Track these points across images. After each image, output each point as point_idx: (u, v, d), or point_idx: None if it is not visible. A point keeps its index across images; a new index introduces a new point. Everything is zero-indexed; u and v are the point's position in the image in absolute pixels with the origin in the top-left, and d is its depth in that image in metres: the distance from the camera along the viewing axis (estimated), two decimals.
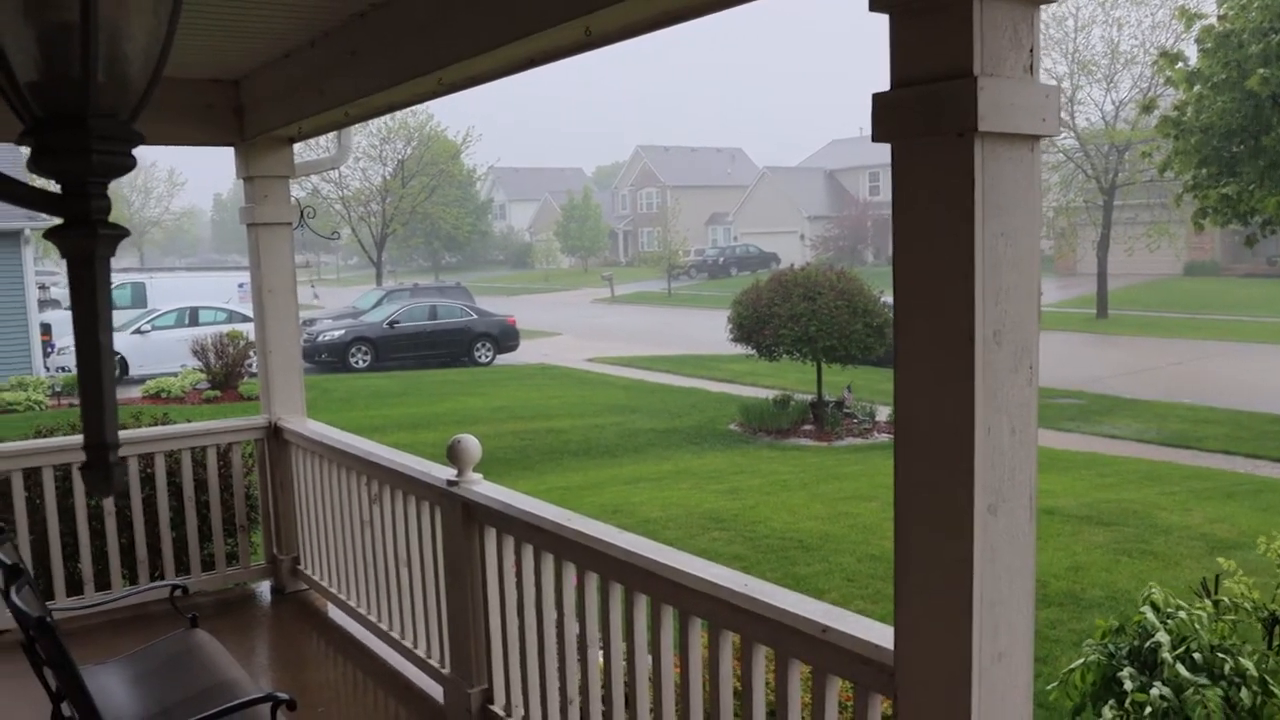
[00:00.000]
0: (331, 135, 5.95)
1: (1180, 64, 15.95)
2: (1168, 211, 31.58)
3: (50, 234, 1.40)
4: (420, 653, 4.65)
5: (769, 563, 9.10)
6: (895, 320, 2.02)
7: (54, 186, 1.40)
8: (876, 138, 1.98)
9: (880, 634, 2.38)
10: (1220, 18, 15.13)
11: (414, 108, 48.36)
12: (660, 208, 74.50)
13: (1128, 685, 2.76)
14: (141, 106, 1.39)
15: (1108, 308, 36.93)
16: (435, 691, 4.57)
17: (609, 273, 56.87)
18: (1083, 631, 7.14)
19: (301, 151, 6.14)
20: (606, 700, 3.42)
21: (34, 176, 1.52)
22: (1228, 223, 15.70)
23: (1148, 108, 17.50)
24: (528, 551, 3.77)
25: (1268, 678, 2.75)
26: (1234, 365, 25.52)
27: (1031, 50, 1.89)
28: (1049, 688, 3.19)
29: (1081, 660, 2.98)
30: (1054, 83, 2.29)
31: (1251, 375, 23.63)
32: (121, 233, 1.43)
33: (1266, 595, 3.05)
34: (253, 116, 5.51)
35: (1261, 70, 13.83)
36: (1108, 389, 21.12)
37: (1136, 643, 2.91)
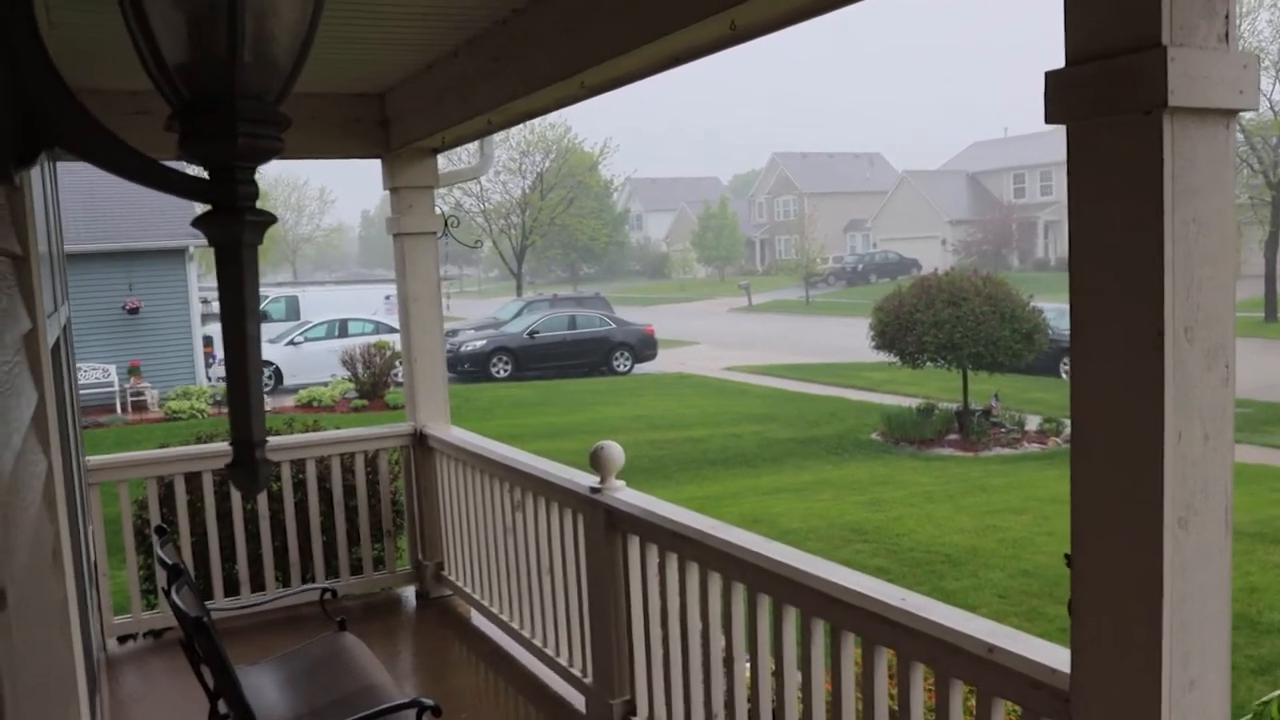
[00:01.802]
0: (474, 146, 6.02)
1: None
2: None
3: (198, 221, 1.39)
4: (562, 661, 4.63)
5: (914, 577, 8.83)
6: (1073, 317, 1.86)
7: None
8: (1051, 119, 1.83)
9: (1054, 656, 2.21)
10: None
11: (552, 121, 49.01)
12: (797, 215, 73.78)
13: None
14: (288, 89, 1.37)
15: (1277, 311, 34.85)
16: (577, 701, 4.53)
17: (746, 281, 56.63)
18: (1260, 658, 6.68)
19: (444, 164, 6.23)
20: (753, 716, 3.32)
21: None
22: None
23: None
24: (672, 560, 3.70)
25: None
26: None
27: (1227, 16, 1.71)
28: None
29: (1277, 692, 2.73)
30: (1253, 50, 2.08)
31: None
32: (268, 219, 1.41)
33: None
34: (398, 128, 5.62)
35: None
36: (1278, 397, 19.87)
37: None
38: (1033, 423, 16.53)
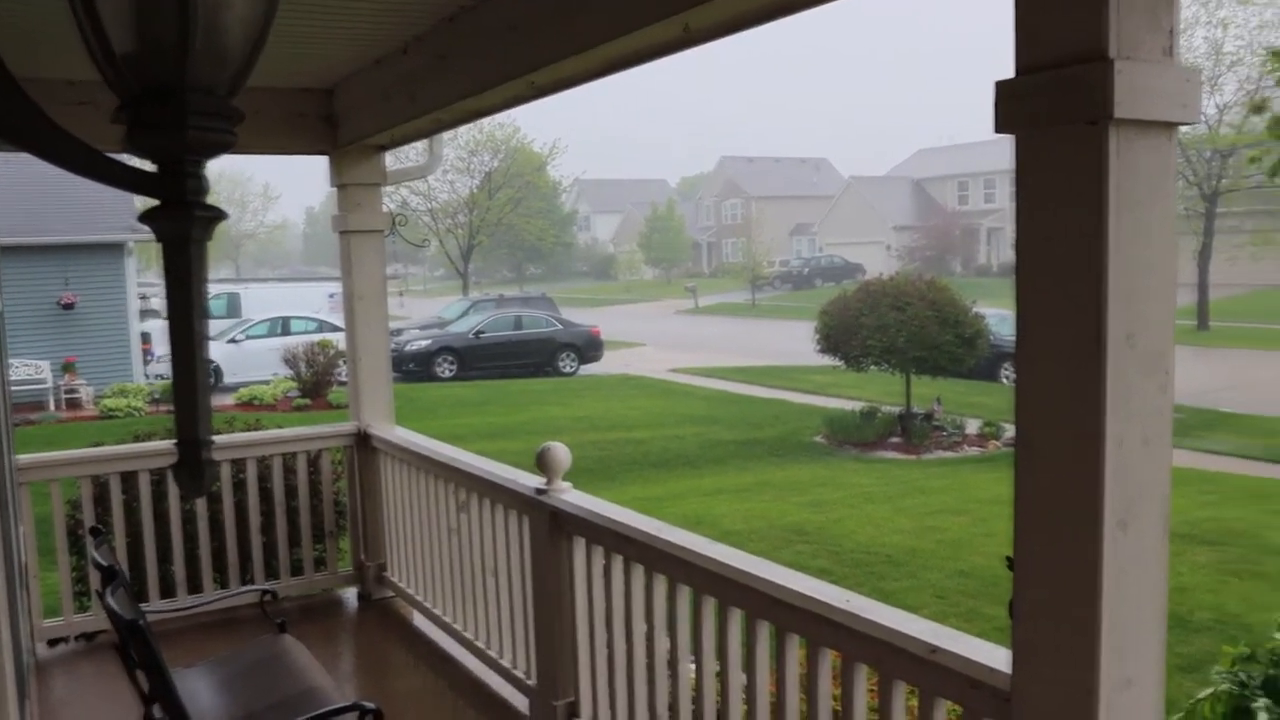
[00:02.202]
0: (423, 144, 5.97)
1: None
2: (1273, 219, 30.46)
3: (145, 216, 1.35)
4: (505, 663, 4.60)
5: (855, 577, 8.91)
6: (1018, 323, 1.89)
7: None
8: (1000, 128, 1.85)
9: (994, 656, 2.25)
10: None
11: (501, 120, 48.85)
12: (744, 218, 74.20)
13: (1263, 717, 2.58)
14: (241, 82, 1.34)
15: (1208, 319, 35.75)
16: (520, 703, 4.51)
17: (692, 284, 56.80)
18: (1190, 656, 6.83)
19: (392, 161, 6.18)
20: (697, 717, 3.32)
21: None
22: None
23: (1258, 108, 16.83)
24: (617, 562, 3.69)
25: None
26: None
27: (1171, 31, 1.75)
28: (1173, 719, 3.00)
29: (1210, 690, 2.80)
30: (1195, 65, 2.14)
31: None
32: (218, 214, 1.38)
33: None
34: (345, 124, 5.55)
35: None
36: (1209, 403, 20.37)
37: (1272, 671, 2.72)
38: (973, 426, 16.77)
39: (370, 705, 2.92)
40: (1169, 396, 1.87)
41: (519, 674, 4.48)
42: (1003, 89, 1.86)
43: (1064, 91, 1.75)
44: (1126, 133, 1.74)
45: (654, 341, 36.22)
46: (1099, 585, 1.84)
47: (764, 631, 3.00)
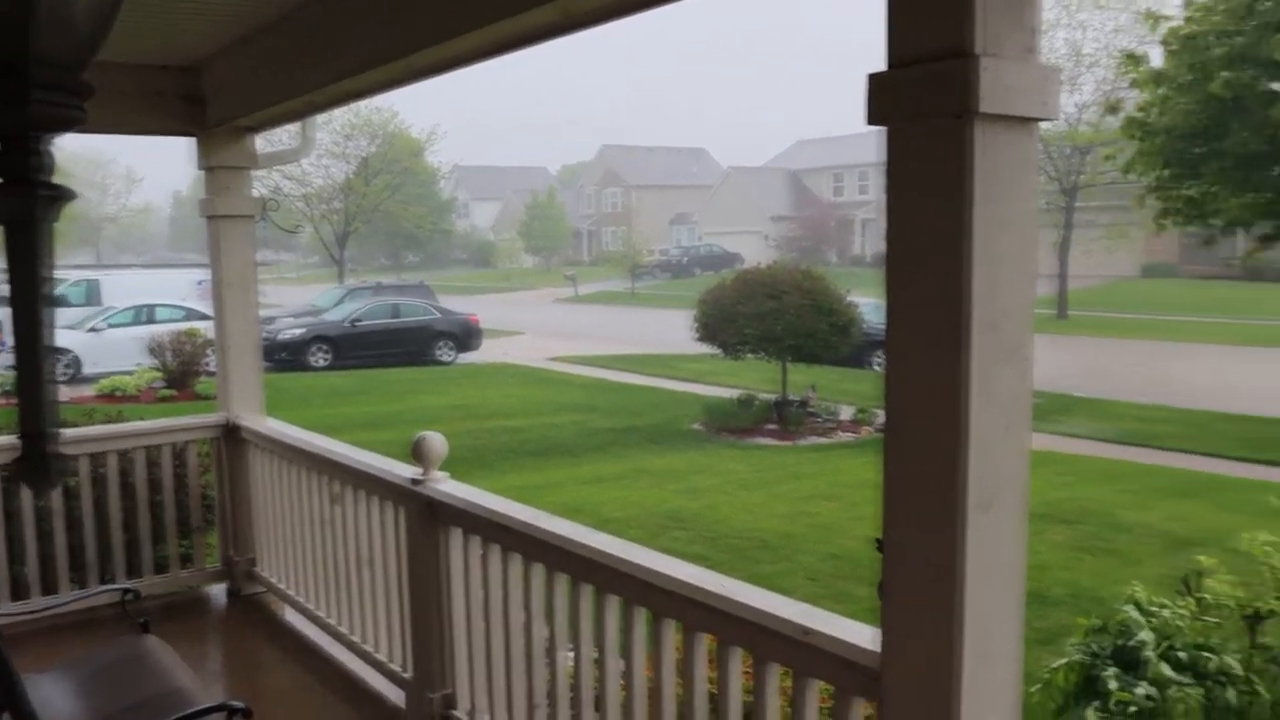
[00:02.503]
0: (295, 127, 5.80)
1: (1144, 66, 16.10)
2: (1126, 213, 31.95)
3: None
4: (381, 656, 4.53)
5: (731, 562, 9.03)
6: (887, 312, 1.94)
7: None
8: (871, 120, 1.89)
9: (864, 636, 2.30)
10: (1186, 19, 15.28)
11: (378, 104, 47.75)
12: (624, 207, 74.46)
13: (1111, 685, 2.71)
14: (89, 54, 1.26)
15: (1067, 308, 37.36)
16: (396, 696, 4.44)
17: (572, 272, 56.72)
18: (1047, 630, 7.13)
19: (263, 144, 5.98)
20: (575, 704, 3.32)
21: None
22: (1190, 224, 15.86)
23: (1112, 109, 17.68)
24: (494, 552, 3.67)
25: (1253, 677, 2.71)
26: (1189, 365, 25.86)
27: (1033, 31, 1.82)
28: (1031, 690, 3.13)
29: (1064, 660, 2.93)
30: (1055, 64, 2.22)
31: (1205, 375, 23.96)
32: (65, 194, 1.31)
33: (1249, 593, 3.02)
34: (213, 105, 5.35)
35: (1224, 73, 13.98)
36: (1066, 388, 21.28)
37: (1119, 642, 2.86)
38: (846, 413, 17.18)
39: (238, 705, 2.84)
40: (1028, 383, 1.94)
41: (394, 667, 4.42)
42: (874, 82, 1.90)
43: (932, 85, 1.80)
44: (990, 127, 1.80)
45: (533, 330, 36.05)
46: (962, 565, 1.90)
47: (641, 617, 3.01)
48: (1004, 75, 1.77)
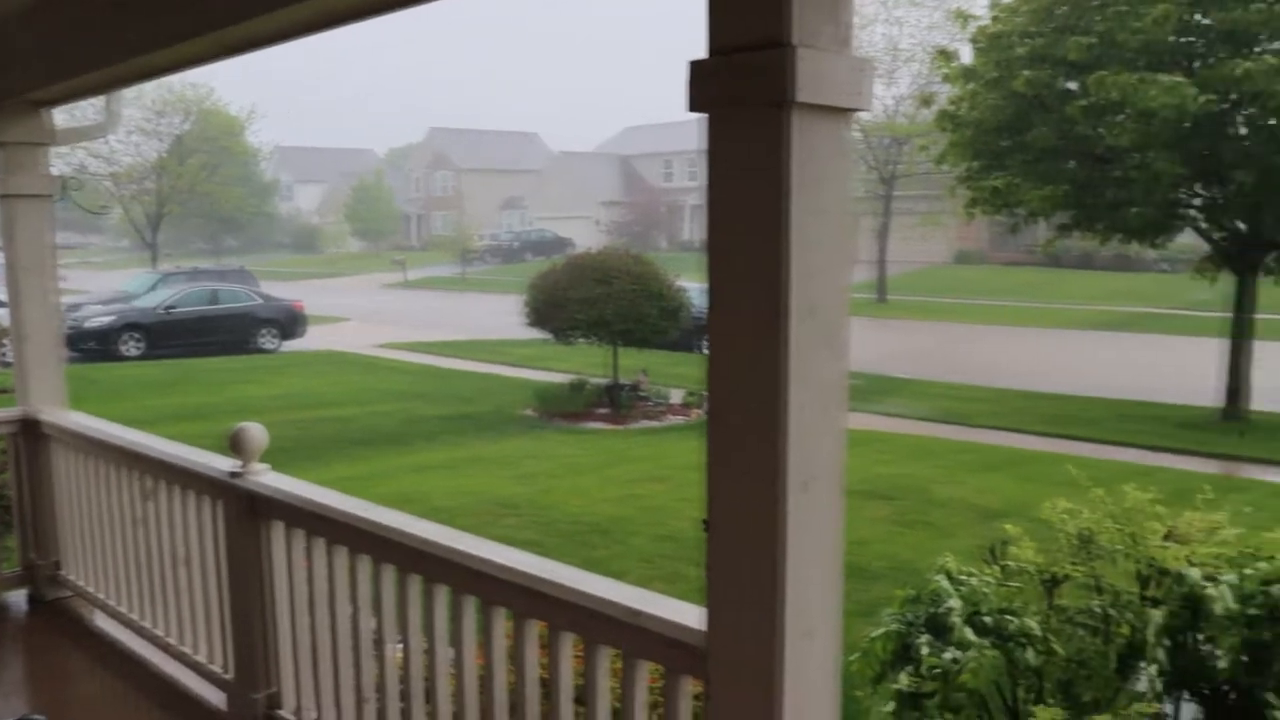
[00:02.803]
0: (100, 101, 5.47)
1: (955, 62, 16.88)
2: (940, 202, 33.53)
3: None
4: (200, 658, 4.34)
5: (564, 547, 9.06)
6: (709, 296, 1.97)
7: None
8: (692, 107, 1.92)
9: (691, 616, 2.34)
10: (993, 19, 16.10)
11: (192, 80, 45.58)
12: (454, 191, 73.40)
13: (924, 651, 2.85)
14: None
15: (886, 293, 38.95)
16: (217, 699, 4.27)
17: (401, 257, 55.61)
18: (868, 602, 7.44)
19: (64, 119, 5.60)
20: (405, 696, 3.27)
21: None
22: (996, 213, 16.75)
23: (926, 102, 18.47)
24: (319, 545, 3.57)
25: (1050, 636, 2.90)
26: (997, 347, 27.40)
27: (847, 24, 1.87)
28: (850, 659, 3.26)
29: (881, 630, 3.06)
30: (868, 57, 2.31)
31: (1012, 356, 25.44)
32: None
33: (1047, 559, 3.22)
34: (3, 76, 4.99)
35: (1026, 72, 14.79)
36: (886, 370, 22.19)
37: (931, 610, 3.01)
38: (676, 396, 17.46)
39: (38, 718, 2.67)
40: (844, 365, 2.01)
41: (215, 669, 4.25)
42: (695, 70, 1.92)
43: (750, 74, 1.83)
44: (806, 116, 1.84)
45: (361, 316, 35.20)
46: (783, 543, 1.95)
47: (470, 606, 2.99)
48: (819, 66, 1.82)
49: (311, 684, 3.73)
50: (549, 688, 2.76)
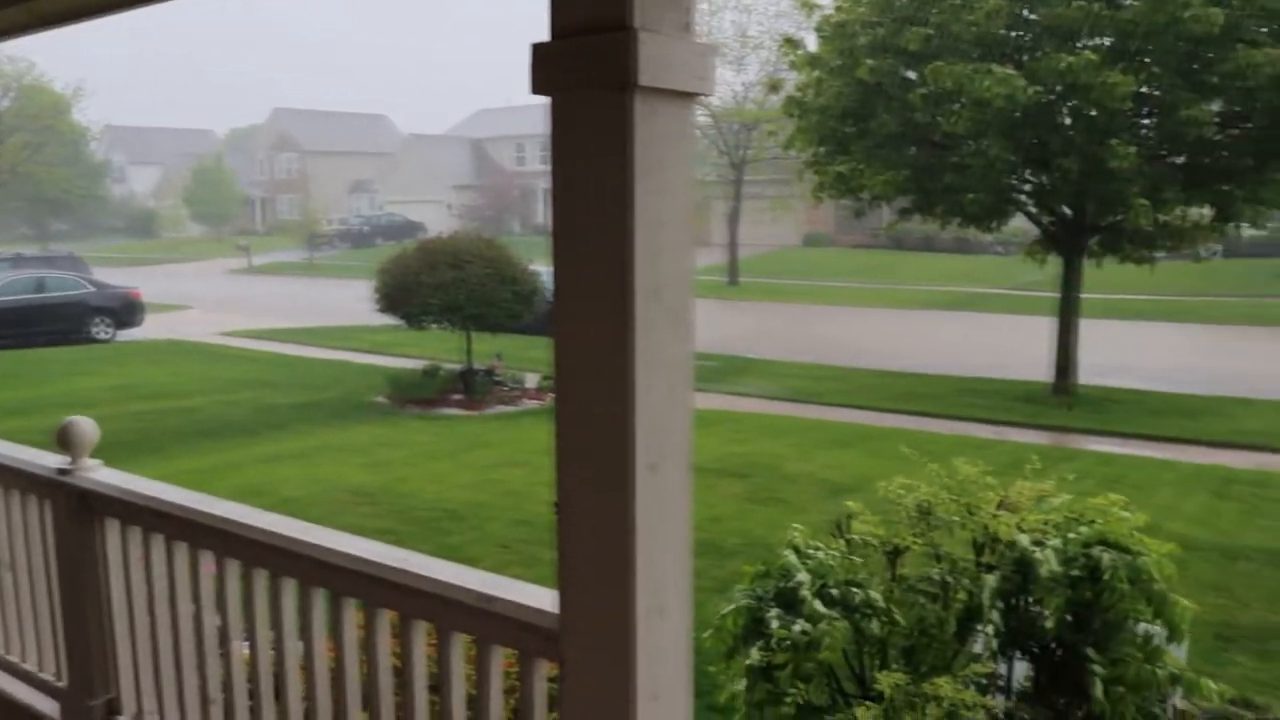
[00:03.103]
0: None
1: (801, 50, 17.26)
2: (788, 186, 34.30)
3: None
4: (29, 666, 4.11)
5: (420, 535, 8.96)
6: (555, 279, 1.97)
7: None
8: (535, 89, 1.91)
9: (544, 599, 2.35)
10: (837, 8, 16.51)
11: (10, 54, 43.07)
12: (300, 174, 71.24)
13: (774, 625, 2.93)
14: None
15: (738, 275, 39.65)
16: (49, 708, 4.06)
17: (245, 242, 53.74)
18: (723, 579, 7.59)
19: None
20: (254, 694, 3.18)
21: None
22: (841, 197, 17.22)
23: (774, 88, 18.83)
24: (157, 541, 3.42)
25: (891, 605, 3.01)
26: (846, 326, 28.26)
27: (689, 9, 1.89)
28: (704, 635, 3.32)
29: (732, 606, 3.13)
30: (710, 43, 2.34)
31: (860, 335, 26.28)
32: None
33: (889, 531, 3.35)
34: None
35: (869, 60, 15.23)
36: (738, 351, 22.63)
37: (780, 584, 3.09)
38: (532, 380, 17.42)
39: None
40: (690, 346, 2.03)
41: (46, 676, 4.03)
42: (538, 52, 1.91)
43: (593, 57, 1.83)
44: (649, 100, 1.85)
45: (204, 303, 33.91)
46: (633, 524, 1.97)
47: (319, 598, 2.92)
48: (662, 51, 1.83)
49: (153, 686, 3.59)
50: (403, 678, 2.72)
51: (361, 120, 77.89)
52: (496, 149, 68.62)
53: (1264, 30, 13.53)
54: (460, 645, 2.61)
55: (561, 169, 1.93)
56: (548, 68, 1.90)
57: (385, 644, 2.77)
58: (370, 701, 2.78)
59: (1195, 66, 14.02)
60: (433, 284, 15.87)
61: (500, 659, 2.55)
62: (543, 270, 17.23)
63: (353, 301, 25.59)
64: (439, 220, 55.42)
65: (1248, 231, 16.52)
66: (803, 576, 2.99)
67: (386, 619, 2.76)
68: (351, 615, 2.85)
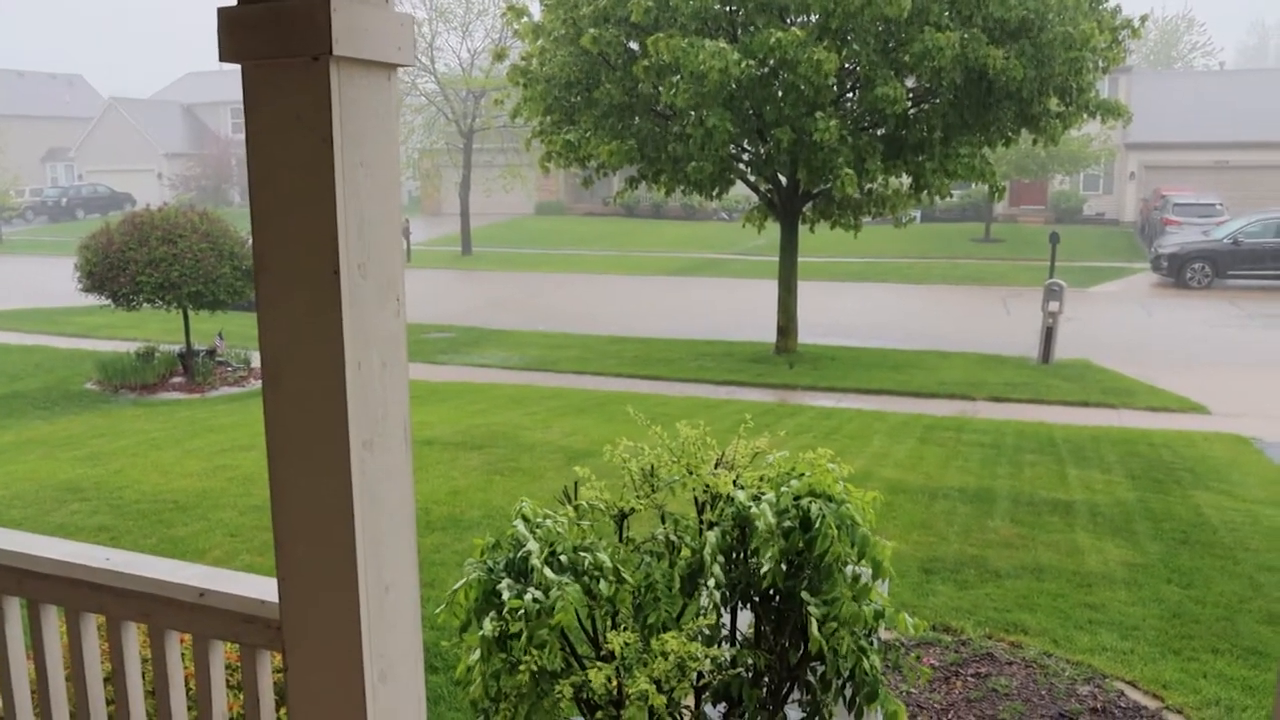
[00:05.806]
0: None
1: (525, 18, 17.20)
2: (520, 155, 34.25)
3: None
4: None
5: (141, 529, 8.40)
6: (255, 256, 1.90)
7: None
8: (224, 58, 1.81)
9: (264, 588, 2.27)
10: None
11: None
12: None
13: (506, 595, 2.96)
14: None
15: (471, 245, 39.33)
16: None
17: None
18: (465, 552, 7.56)
19: None
20: None
21: None
22: (570, 166, 17.36)
23: (499, 56, 18.68)
24: None
25: (619, 567, 3.11)
26: (582, 294, 28.64)
27: None
28: (437, 611, 3.31)
29: (464, 580, 3.13)
30: (409, 13, 2.30)
31: (596, 303, 26.72)
32: None
33: (617, 495, 3.45)
34: None
35: (592, 30, 15.38)
36: (475, 321, 22.52)
37: (512, 554, 3.12)
38: (258, 360, 16.64)
39: None
40: (402, 320, 2.01)
41: None
42: (226, 16, 1.82)
43: (286, 25, 1.76)
44: (349, 70, 1.81)
45: None
46: (351, 504, 1.94)
47: (14, 608, 2.69)
48: (358, 19, 1.78)
49: None
50: (116, 683, 2.56)
51: (53, 81, 71.23)
52: (211, 115, 64.58)
53: (947, 15, 14.69)
54: (177, 643, 2.49)
55: (258, 142, 1.85)
56: (236, 35, 1.82)
57: (93, 649, 2.60)
58: (79, 716, 2.60)
59: (891, 45, 15.07)
60: (144, 260, 14.82)
61: (221, 654, 2.45)
62: None
63: (53, 281, 23.53)
64: (149, 191, 51.73)
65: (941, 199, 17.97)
66: (532, 545, 3.03)
67: (94, 623, 2.59)
68: (54, 623, 2.65)
